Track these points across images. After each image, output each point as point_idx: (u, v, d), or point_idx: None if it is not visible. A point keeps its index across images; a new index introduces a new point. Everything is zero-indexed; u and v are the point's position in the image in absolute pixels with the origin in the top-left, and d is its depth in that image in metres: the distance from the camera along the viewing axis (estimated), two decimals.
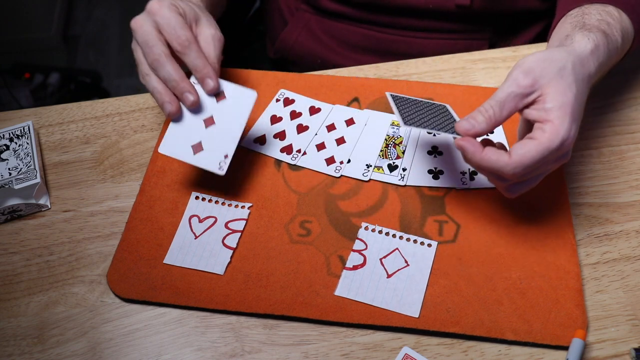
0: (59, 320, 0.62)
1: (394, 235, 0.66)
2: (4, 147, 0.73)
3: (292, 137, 0.74)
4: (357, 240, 0.66)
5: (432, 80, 0.81)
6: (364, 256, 0.64)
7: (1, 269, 0.66)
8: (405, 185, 0.70)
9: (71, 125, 0.79)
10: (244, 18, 1.12)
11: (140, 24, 0.66)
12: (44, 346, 0.61)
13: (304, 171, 0.72)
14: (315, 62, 0.95)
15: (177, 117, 0.66)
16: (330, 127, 0.75)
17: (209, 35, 0.68)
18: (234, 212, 0.68)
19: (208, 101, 0.67)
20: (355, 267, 0.64)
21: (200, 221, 0.67)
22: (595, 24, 0.64)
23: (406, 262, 0.64)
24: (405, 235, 0.66)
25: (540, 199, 0.68)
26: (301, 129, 0.74)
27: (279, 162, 0.73)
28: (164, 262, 0.64)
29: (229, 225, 0.67)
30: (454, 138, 0.61)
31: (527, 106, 0.58)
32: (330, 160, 0.72)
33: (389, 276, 0.63)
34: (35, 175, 0.69)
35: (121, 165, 0.75)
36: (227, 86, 0.68)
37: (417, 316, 0.60)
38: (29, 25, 2.13)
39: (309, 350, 0.60)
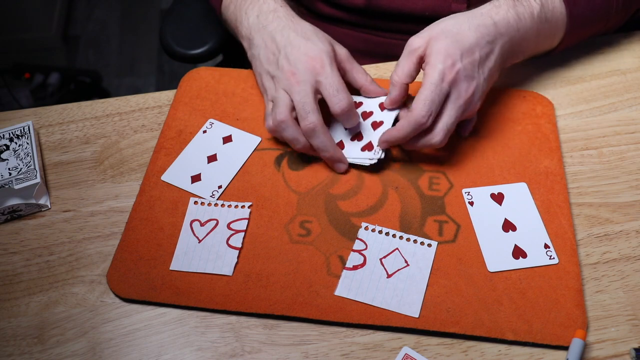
0: (59, 320, 0.62)
1: (394, 235, 0.66)
2: (4, 147, 0.73)
3: (369, 135, 0.73)
4: (357, 240, 0.66)
5: None
6: (364, 256, 0.64)
7: (1, 269, 0.66)
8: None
9: (71, 125, 0.79)
10: None
11: (297, 82, 0.68)
12: (44, 346, 0.61)
13: (304, 171, 0.72)
14: None
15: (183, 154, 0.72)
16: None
17: (347, 56, 0.74)
18: (235, 213, 0.68)
19: (215, 141, 0.75)
20: (355, 267, 0.64)
21: (202, 225, 0.67)
22: None
23: (406, 262, 0.64)
24: (405, 235, 0.66)
25: (541, 199, 0.68)
26: (376, 125, 0.74)
27: (278, 162, 0.73)
28: (170, 268, 0.64)
29: (232, 225, 0.67)
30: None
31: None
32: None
33: (389, 276, 0.63)
34: (35, 175, 0.69)
35: (121, 165, 0.75)
36: (235, 132, 0.75)
37: (417, 316, 0.60)
38: (29, 25, 2.13)
39: (309, 350, 0.60)
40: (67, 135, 0.78)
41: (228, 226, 0.67)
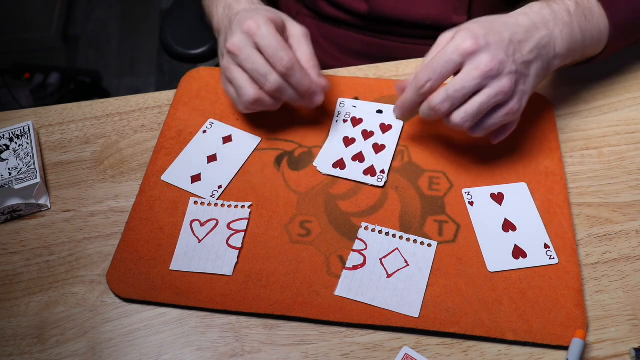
0: (59, 320, 0.62)
1: (394, 235, 0.66)
2: (4, 147, 0.73)
3: (371, 158, 0.73)
4: (357, 240, 0.66)
5: None
6: (364, 256, 0.64)
7: (1, 269, 0.66)
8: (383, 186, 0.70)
9: (71, 125, 0.79)
10: None
11: (239, 46, 0.66)
12: (44, 346, 0.61)
13: (304, 171, 0.72)
14: None
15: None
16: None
17: (300, 34, 0.70)
18: (235, 213, 0.68)
19: (215, 141, 0.75)
20: (355, 267, 0.64)
21: (202, 225, 0.67)
22: None
23: (406, 262, 0.64)
24: (405, 235, 0.66)
25: (541, 199, 0.68)
26: (378, 148, 0.73)
27: (278, 162, 0.73)
28: (170, 268, 0.64)
29: (231, 225, 0.67)
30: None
31: None
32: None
33: (389, 276, 0.63)
34: (35, 175, 0.69)
35: (121, 165, 0.75)
36: (235, 132, 0.75)
37: (417, 316, 0.60)
38: (29, 25, 2.13)
39: (309, 350, 0.60)
40: (67, 135, 0.78)
41: (228, 226, 0.67)
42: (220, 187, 0.70)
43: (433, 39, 0.89)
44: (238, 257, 0.65)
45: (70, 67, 2.14)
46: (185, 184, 0.71)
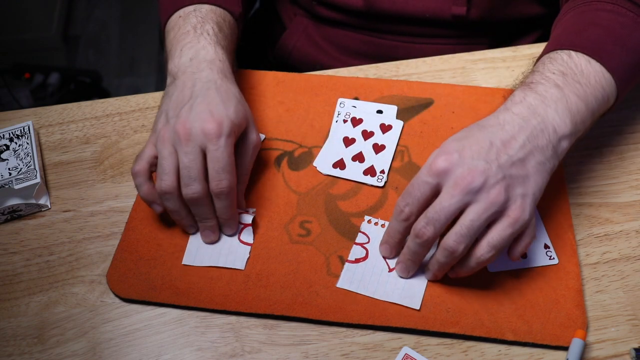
0: (59, 320, 0.62)
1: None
2: (4, 147, 0.73)
3: (371, 158, 0.72)
4: (359, 234, 0.66)
5: (432, 80, 0.81)
6: (366, 249, 0.64)
7: (1, 269, 0.66)
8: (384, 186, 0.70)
9: (71, 125, 0.79)
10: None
11: (188, 137, 0.61)
12: (44, 346, 0.61)
13: (304, 171, 0.72)
14: (314, 67, 0.95)
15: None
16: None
17: (251, 144, 0.66)
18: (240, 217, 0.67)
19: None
20: (357, 260, 0.64)
21: None
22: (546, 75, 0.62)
23: None
24: None
25: (541, 199, 0.68)
26: (378, 148, 0.73)
27: (278, 162, 0.73)
28: (183, 263, 0.64)
29: (239, 220, 0.67)
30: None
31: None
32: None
33: (390, 270, 0.63)
34: (35, 175, 0.69)
35: (121, 165, 0.75)
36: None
37: (418, 308, 0.60)
38: (29, 25, 2.13)
39: (309, 350, 0.60)
40: (67, 135, 0.78)
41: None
42: None
43: (431, 36, 0.89)
44: (250, 252, 0.65)
45: (70, 67, 2.14)
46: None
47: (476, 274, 0.63)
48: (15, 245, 0.68)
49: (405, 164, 0.72)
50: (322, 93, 0.79)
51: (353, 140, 0.74)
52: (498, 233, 0.56)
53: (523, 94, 0.61)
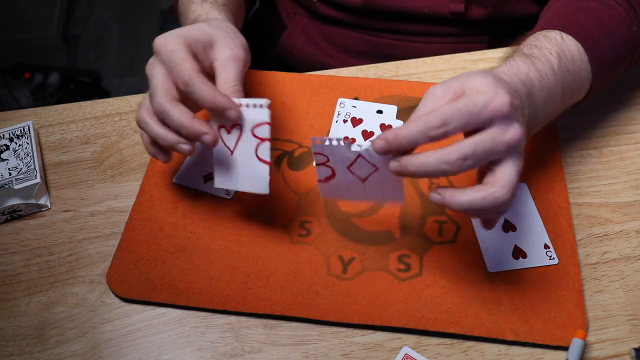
0: (59, 320, 0.62)
1: (350, 144, 0.58)
2: (4, 147, 0.73)
3: None
4: (315, 156, 0.59)
5: (432, 80, 0.81)
6: (330, 167, 0.59)
7: (1, 269, 0.66)
8: None
9: (71, 125, 0.79)
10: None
11: (150, 70, 0.62)
12: (44, 346, 0.61)
13: (304, 171, 0.72)
14: (314, 66, 0.95)
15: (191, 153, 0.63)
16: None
17: (225, 57, 0.62)
18: (254, 115, 0.61)
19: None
20: (327, 179, 0.60)
21: (229, 131, 0.62)
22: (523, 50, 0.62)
23: (374, 166, 0.57)
24: (364, 145, 0.57)
25: (541, 199, 0.68)
26: None
27: (278, 162, 0.73)
28: (215, 186, 0.63)
29: (255, 132, 0.62)
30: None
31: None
32: None
33: (363, 180, 0.58)
34: (35, 175, 0.69)
35: (121, 165, 0.75)
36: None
37: (403, 202, 0.58)
38: (29, 25, 2.13)
39: (309, 350, 0.60)
40: (67, 135, 0.78)
41: (253, 133, 0.62)
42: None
43: (430, 34, 0.89)
44: (270, 173, 0.61)
45: (70, 67, 2.14)
46: (199, 184, 0.71)
47: (476, 274, 0.63)
48: (15, 245, 0.68)
49: None
50: (322, 93, 0.79)
51: (353, 140, 0.74)
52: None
53: (527, 67, 0.60)
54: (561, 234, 0.66)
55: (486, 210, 0.53)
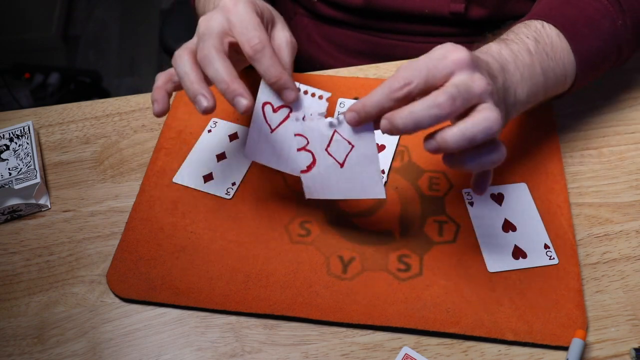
0: (59, 320, 0.62)
1: (324, 121, 0.58)
2: (4, 147, 0.73)
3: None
4: (296, 138, 0.59)
5: None
6: (310, 152, 0.60)
7: (1, 269, 0.66)
8: None
9: (71, 125, 0.79)
10: None
11: (207, 21, 0.59)
12: (44, 346, 0.61)
13: None
14: (314, 66, 0.95)
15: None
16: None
17: (284, 40, 0.62)
18: (311, 103, 0.60)
19: (221, 140, 0.74)
20: (309, 168, 0.61)
21: (275, 110, 0.60)
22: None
23: (350, 143, 0.58)
24: (336, 118, 0.57)
25: (541, 199, 0.68)
26: (378, 148, 0.72)
27: None
28: (244, 155, 0.63)
29: (313, 105, 0.60)
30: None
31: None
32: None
33: (342, 165, 0.59)
34: (35, 175, 0.69)
35: (121, 165, 0.75)
36: (241, 129, 0.75)
37: (383, 197, 0.58)
38: (29, 25, 2.13)
39: (309, 350, 0.60)
40: (67, 135, 0.78)
41: (303, 120, 0.60)
42: (234, 184, 0.70)
43: (430, 35, 0.89)
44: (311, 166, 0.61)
45: (70, 67, 2.15)
46: (199, 184, 0.71)
47: (476, 274, 0.63)
48: (15, 245, 0.68)
49: (405, 164, 0.72)
50: None
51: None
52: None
53: (499, 47, 0.61)
54: (561, 234, 0.66)
55: (479, 140, 0.51)
